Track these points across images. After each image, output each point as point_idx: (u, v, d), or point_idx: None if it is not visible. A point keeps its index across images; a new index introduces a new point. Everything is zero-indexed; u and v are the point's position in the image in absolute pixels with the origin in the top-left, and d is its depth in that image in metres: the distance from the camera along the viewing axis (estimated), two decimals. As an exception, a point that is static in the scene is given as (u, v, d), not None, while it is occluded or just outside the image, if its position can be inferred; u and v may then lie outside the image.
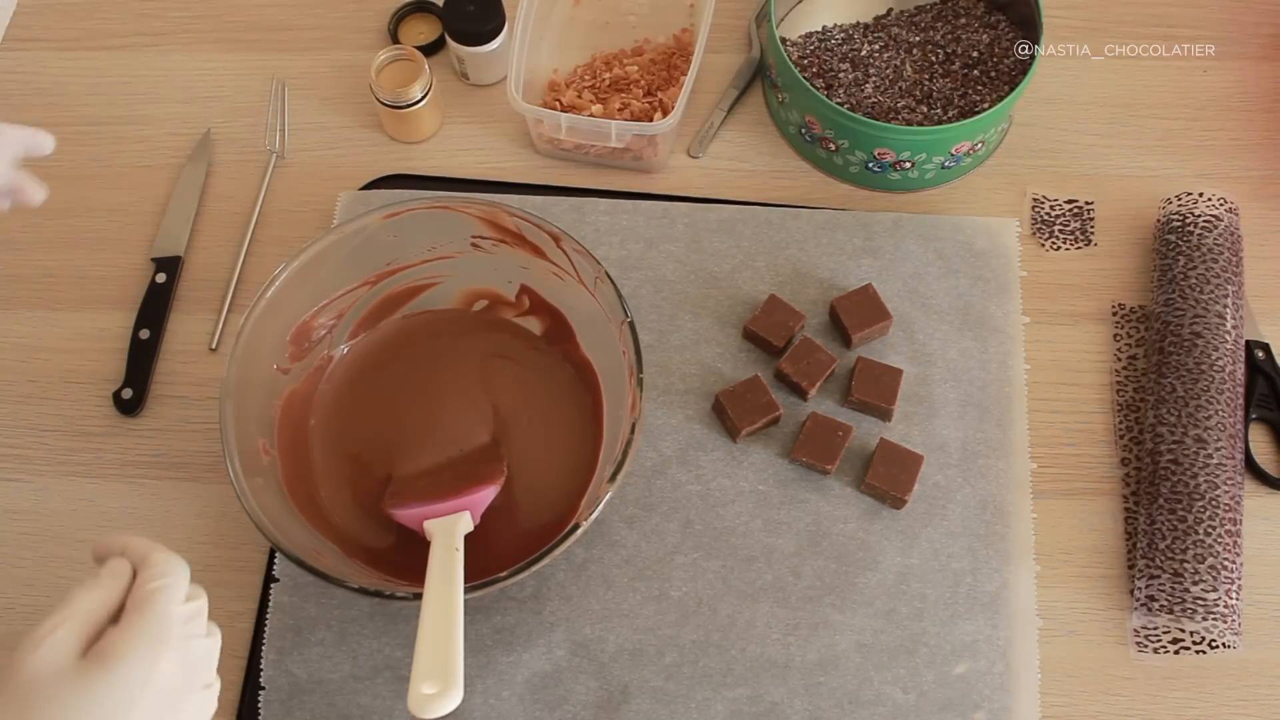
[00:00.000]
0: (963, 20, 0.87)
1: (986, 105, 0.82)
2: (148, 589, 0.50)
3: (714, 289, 0.79)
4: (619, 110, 0.84)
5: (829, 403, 0.76)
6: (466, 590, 0.60)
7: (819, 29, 0.88)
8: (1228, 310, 0.75)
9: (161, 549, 0.52)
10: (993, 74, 0.84)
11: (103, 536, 0.53)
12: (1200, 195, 0.79)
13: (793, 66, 0.80)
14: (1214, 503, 0.69)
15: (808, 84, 0.79)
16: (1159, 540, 0.69)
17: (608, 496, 0.62)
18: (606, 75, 0.86)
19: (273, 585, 0.70)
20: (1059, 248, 0.82)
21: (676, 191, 0.84)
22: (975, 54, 0.85)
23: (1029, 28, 0.84)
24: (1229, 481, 0.70)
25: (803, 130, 0.83)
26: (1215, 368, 0.73)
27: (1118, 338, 0.79)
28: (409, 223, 0.71)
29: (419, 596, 0.60)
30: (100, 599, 0.50)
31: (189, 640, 0.51)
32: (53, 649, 0.48)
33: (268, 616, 0.69)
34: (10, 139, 0.67)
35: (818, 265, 0.80)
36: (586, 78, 0.87)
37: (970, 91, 0.84)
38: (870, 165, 0.81)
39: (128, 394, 0.76)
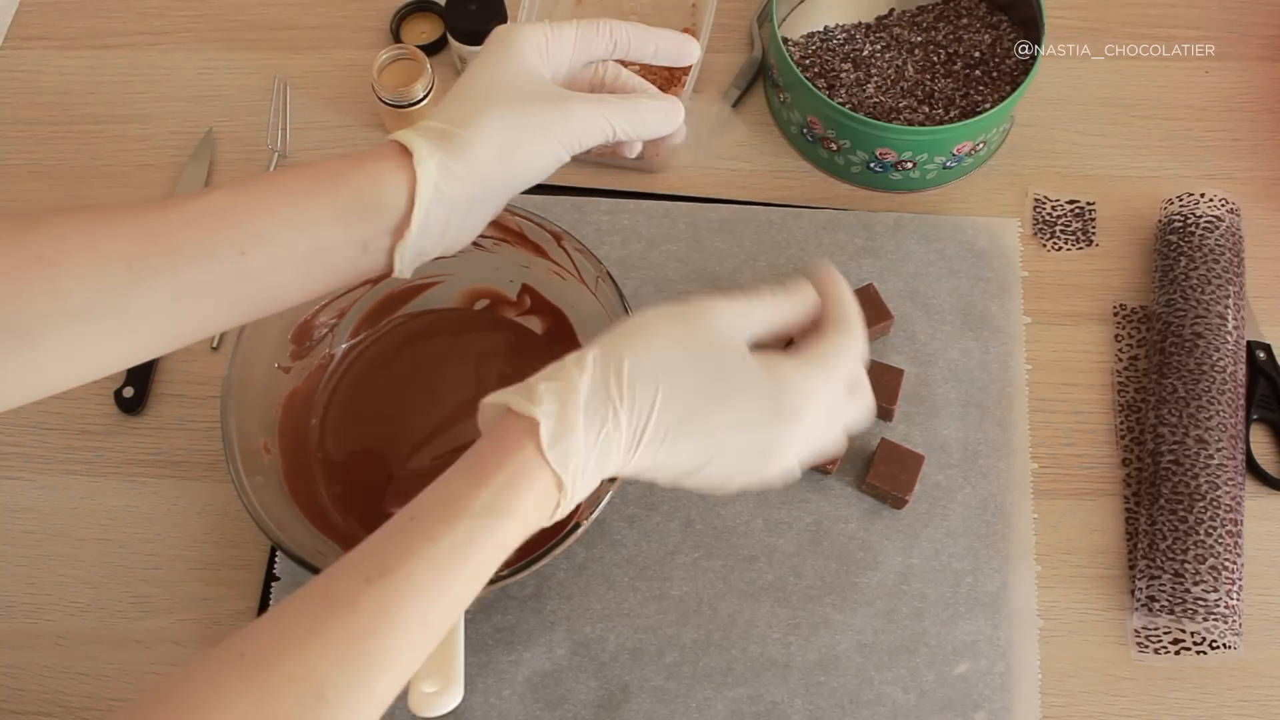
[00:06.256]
0: (964, 20, 0.87)
1: (988, 105, 0.82)
2: (829, 350, 0.52)
3: (715, 289, 0.79)
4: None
5: (830, 402, 0.76)
6: (467, 589, 0.60)
7: (821, 29, 0.88)
8: (1229, 311, 0.75)
9: (858, 324, 0.53)
10: (994, 74, 0.84)
11: (828, 274, 0.55)
12: (1202, 196, 0.79)
13: (794, 66, 0.80)
14: (1215, 503, 0.69)
15: (809, 84, 0.79)
16: (1160, 540, 0.69)
17: (608, 496, 0.62)
18: (608, 75, 0.86)
19: (273, 584, 0.70)
20: (1060, 248, 0.82)
21: (678, 191, 0.84)
22: (977, 54, 0.85)
23: (1031, 28, 0.84)
24: (1230, 482, 0.70)
25: (804, 130, 0.83)
26: (1216, 368, 0.73)
27: (1119, 338, 0.79)
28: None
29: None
30: (786, 309, 0.53)
31: (834, 421, 0.52)
32: (732, 316, 0.51)
33: (268, 615, 0.69)
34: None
35: (819, 265, 0.80)
36: (588, 77, 0.87)
37: (972, 92, 0.84)
38: (872, 165, 0.81)
39: (129, 393, 0.76)
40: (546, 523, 0.49)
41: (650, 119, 0.56)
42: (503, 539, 0.47)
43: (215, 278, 0.48)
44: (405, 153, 0.49)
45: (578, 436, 0.47)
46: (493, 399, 0.50)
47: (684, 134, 0.59)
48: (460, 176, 0.50)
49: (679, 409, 0.49)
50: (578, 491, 0.49)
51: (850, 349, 0.53)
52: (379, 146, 0.50)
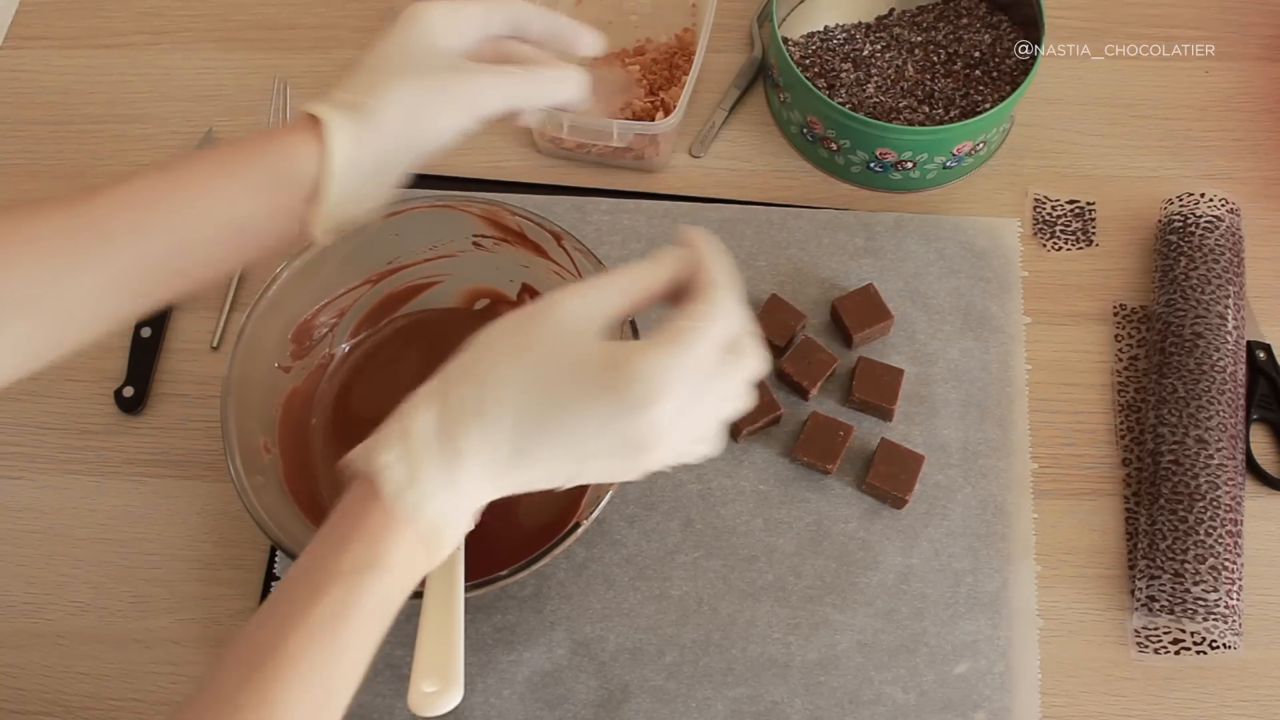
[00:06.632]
0: (965, 20, 0.87)
1: (988, 105, 0.82)
2: (682, 324, 0.49)
3: (715, 288, 0.79)
4: (621, 110, 0.84)
5: (830, 402, 0.76)
6: (467, 589, 0.60)
7: (821, 29, 0.88)
8: (1229, 311, 0.75)
9: (724, 286, 0.50)
10: (994, 74, 0.84)
11: (691, 234, 0.52)
12: (1202, 196, 0.79)
13: (794, 66, 0.80)
14: (1215, 503, 0.69)
15: (809, 84, 0.79)
16: (1160, 540, 0.69)
17: (608, 495, 0.62)
18: (608, 75, 0.86)
19: (273, 584, 0.70)
20: (1060, 248, 0.82)
21: (678, 191, 0.84)
22: (977, 54, 0.85)
23: (1031, 28, 0.84)
24: (1230, 482, 0.70)
25: (804, 130, 0.83)
26: (1216, 368, 0.73)
27: (1119, 338, 0.79)
28: (410, 221, 0.71)
29: (419, 595, 0.60)
30: (644, 281, 0.51)
31: (704, 397, 0.49)
32: (578, 306, 0.49)
33: (268, 615, 0.69)
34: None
35: (819, 265, 0.80)
36: (588, 77, 0.87)
37: (972, 91, 0.84)
38: (872, 165, 0.81)
39: (129, 392, 0.76)
40: (435, 564, 0.49)
41: (553, 86, 0.58)
42: (382, 595, 0.47)
43: (149, 257, 0.51)
44: (317, 123, 0.52)
45: (425, 482, 0.46)
46: (346, 458, 0.49)
47: (588, 101, 0.60)
48: (369, 144, 0.52)
49: (528, 425, 0.47)
50: (448, 535, 0.48)
51: (713, 315, 0.49)
52: (293, 120, 0.53)
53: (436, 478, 0.47)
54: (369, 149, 0.53)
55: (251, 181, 0.52)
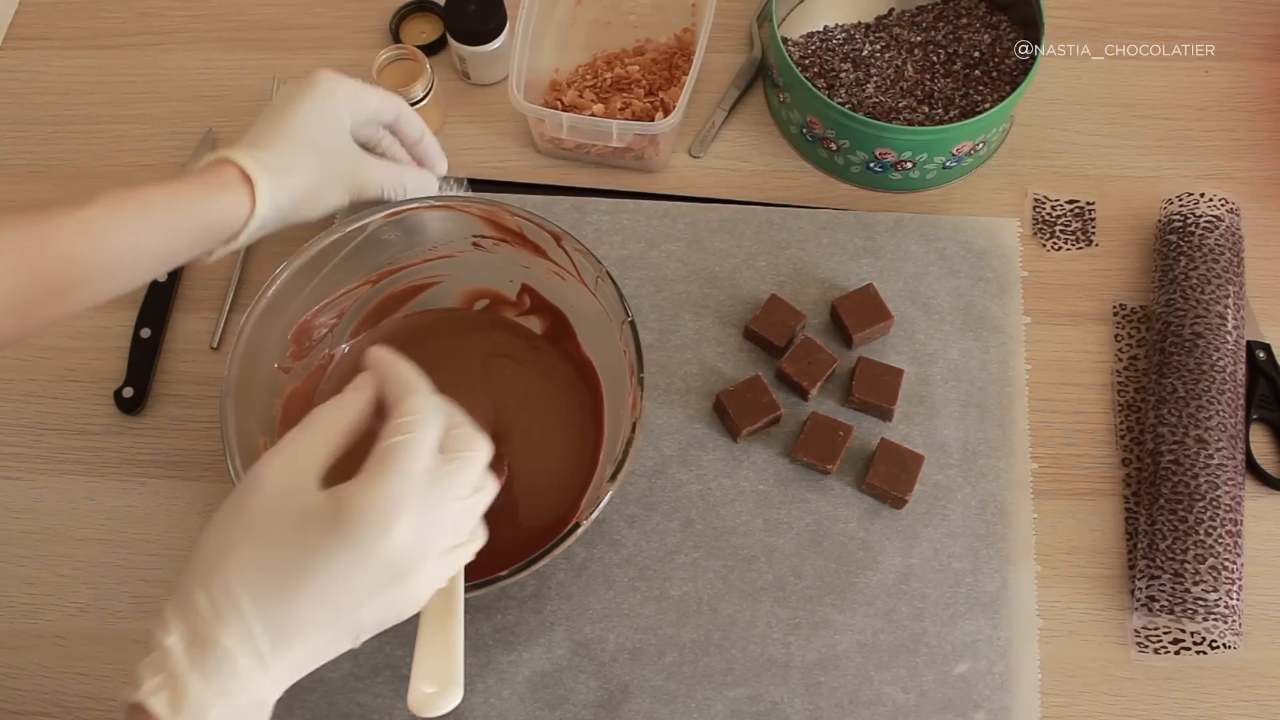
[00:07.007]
0: (964, 20, 0.87)
1: (988, 105, 0.82)
2: (387, 444, 0.48)
3: (715, 289, 0.79)
4: (620, 110, 0.84)
5: (830, 402, 0.76)
6: (467, 589, 0.60)
7: (820, 29, 0.88)
8: (1229, 311, 0.75)
9: (417, 392, 0.50)
10: (994, 74, 0.84)
11: (374, 354, 0.53)
12: (1201, 196, 0.79)
13: (794, 66, 0.80)
14: (1215, 503, 0.69)
15: (809, 84, 0.79)
16: (1160, 540, 0.69)
17: (608, 496, 0.62)
18: (608, 75, 0.86)
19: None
20: (1060, 248, 0.82)
21: (678, 191, 0.84)
22: (977, 54, 0.85)
23: (1030, 28, 0.84)
24: (1230, 482, 0.70)
25: (804, 130, 0.83)
26: (1216, 368, 0.73)
27: (1119, 338, 0.79)
28: (410, 222, 0.71)
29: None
30: (346, 415, 0.50)
31: (437, 503, 0.48)
32: (282, 467, 0.48)
33: (268, 615, 0.69)
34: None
35: (819, 265, 0.80)
36: (588, 77, 0.87)
37: (971, 91, 0.84)
38: (871, 165, 0.81)
39: (129, 393, 0.76)
40: None
41: (411, 186, 0.69)
42: None
43: (94, 283, 0.58)
44: (247, 180, 0.62)
45: (192, 703, 0.44)
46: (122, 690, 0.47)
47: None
48: (279, 209, 0.63)
49: (275, 604, 0.45)
50: None
51: (412, 424, 0.49)
52: (226, 172, 0.62)
53: (203, 695, 0.44)
54: (276, 211, 0.63)
55: (190, 233, 0.61)
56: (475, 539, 0.52)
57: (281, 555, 0.46)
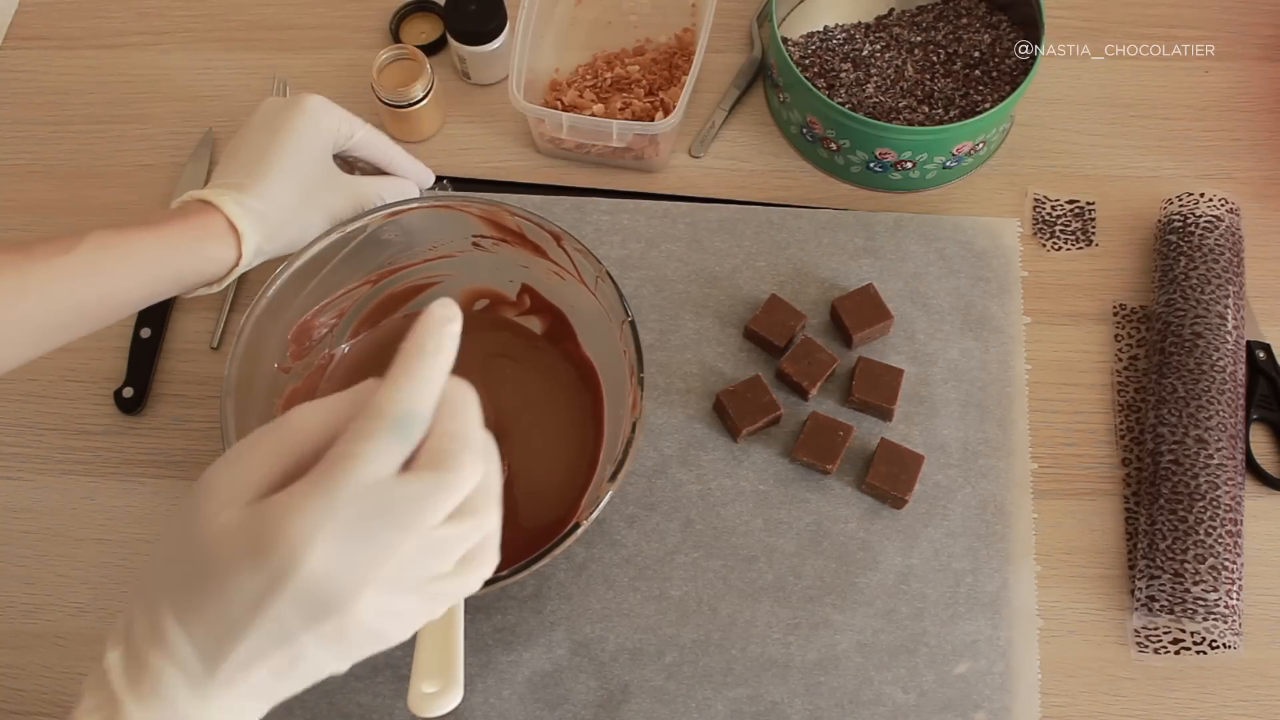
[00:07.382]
0: (964, 20, 0.87)
1: (988, 105, 0.82)
2: (329, 453, 0.41)
3: (715, 289, 0.79)
4: (620, 110, 0.84)
5: (830, 402, 0.76)
6: (467, 589, 0.60)
7: (820, 29, 0.88)
8: (1229, 311, 0.75)
9: (388, 401, 0.41)
10: (994, 74, 0.84)
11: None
12: (1201, 196, 0.79)
13: (794, 66, 0.80)
14: (1215, 503, 0.69)
15: (809, 84, 0.79)
16: (1159, 540, 0.69)
17: (608, 496, 0.62)
18: (608, 75, 0.86)
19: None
20: (1060, 248, 0.82)
21: (678, 191, 0.84)
22: (977, 54, 0.85)
23: (1030, 28, 0.84)
24: (1230, 482, 0.70)
25: (804, 130, 0.83)
26: (1216, 368, 0.73)
27: (1119, 338, 0.79)
28: (410, 222, 0.71)
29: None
30: (305, 422, 0.43)
31: (385, 529, 0.40)
32: (220, 478, 0.42)
33: (268, 615, 0.69)
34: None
35: (819, 265, 0.80)
36: (588, 77, 0.87)
37: (972, 91, 0.84)
38: (871, 165, 0.81)
39: (129, 393, 0.76)
40: None
41: (388, 196, 0.72)
42: None
43: (72, 326, 0.61)
44: (232, 231, 0.65)
45: (131, 714, 0.42)
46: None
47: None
48: (262, 254, 0.67)
49: (200, 627, 0.41)
50: None
51: (361, 434, 0.41)
52: (213, 221, 0.64)
53: (150, 709, 0.42)
54: (259, 256, 0.67)
55: (175, 277, 0.64)
56: (468, 573, 0.44)
57: (200, 576, 0.41)
